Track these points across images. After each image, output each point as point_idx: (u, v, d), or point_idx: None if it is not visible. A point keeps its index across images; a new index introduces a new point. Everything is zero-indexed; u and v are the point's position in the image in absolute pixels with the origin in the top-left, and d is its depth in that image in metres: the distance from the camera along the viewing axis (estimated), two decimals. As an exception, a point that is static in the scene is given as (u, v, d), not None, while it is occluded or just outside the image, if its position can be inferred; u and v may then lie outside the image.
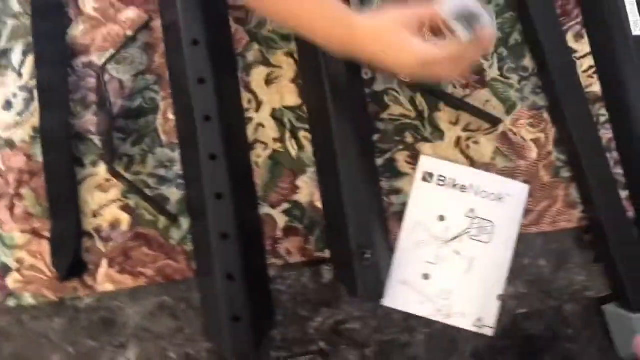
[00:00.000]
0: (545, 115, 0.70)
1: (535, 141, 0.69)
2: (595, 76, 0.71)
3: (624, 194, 0.69)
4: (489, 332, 0.66)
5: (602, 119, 0.70)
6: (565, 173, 0.69)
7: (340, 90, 0.65)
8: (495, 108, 0.70)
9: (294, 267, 0.66)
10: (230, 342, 0.60)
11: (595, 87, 0.71)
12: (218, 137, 0.63)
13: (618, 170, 0.70)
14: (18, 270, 0.64)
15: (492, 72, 0.70)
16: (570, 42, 0.71)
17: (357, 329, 0.66)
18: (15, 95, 0.67)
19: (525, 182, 0.68)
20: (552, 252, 0.68)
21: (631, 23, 0.67)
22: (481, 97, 0.70)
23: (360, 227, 0.63)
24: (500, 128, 0.69)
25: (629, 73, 0.68)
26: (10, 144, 0.66)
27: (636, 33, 0.67)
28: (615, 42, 0.68)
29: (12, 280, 0.64)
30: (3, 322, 0.63)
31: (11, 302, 0.63)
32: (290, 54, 0.69)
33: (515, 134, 0.69)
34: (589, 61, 0.71)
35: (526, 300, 0.67)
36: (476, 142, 0.69)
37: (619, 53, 0.68)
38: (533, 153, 0.69)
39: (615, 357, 0.66)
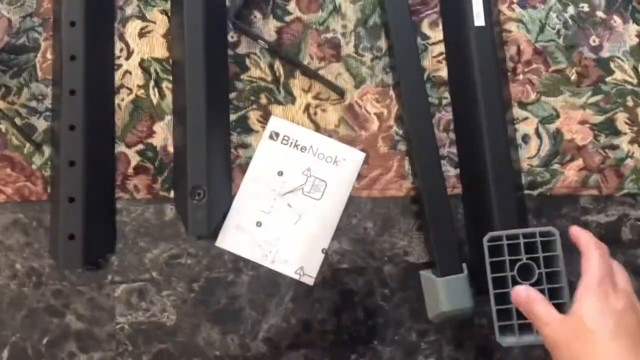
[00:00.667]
0: (391, 93, 0.76)
1: (378, 115, 0.75)
2: (443, 62, 0.77)
3: (455, 171, 0.74)
4: (309, 281, 0.72)
5: (445, 101, 0.76)
6: (402, 147, 0.75)
7: (197, 50, 0.72)
8: (345, 81, 0.76)
9: (140, 203, 0.73)
10: (63, 257, 0.68)
11: (442, 72, 0.76)
12: (79, 75, 0.70)
13: (453, 150, 0.75)
14: None
15: (348, 49, 0.76)
16: (425, 29, 0.77)
17: (189, 264, 0.72)
18: None
19: (363, 150, 0.74)
20: (379, 215, 0.74)
21: (474, 15, 0.73)
22: (334, 70, 0.76)
23: (197, 169, 0.70)
24: (347, 100, 0.75)
25: (469, 59, 0.73)
26: None
27: (478, 24, 0.73)
28: (460, 32, 0.74)
29: None
30: None
31: None
32: (165, 12, 0.76)
33: (360, 106, 0.75)
34: (440, 48, 0.77)
35: (349, 257, 0.73)
36: (324, 110, 0.75)
37: (462, 41, 0.74)
38: (374, 125, 0.75)
39: (424, 319, 0.72)
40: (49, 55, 0.75)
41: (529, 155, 0.75)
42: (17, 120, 0.73)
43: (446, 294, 0.68)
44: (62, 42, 0.71)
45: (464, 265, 0.69)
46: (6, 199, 0.72)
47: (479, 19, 0.73)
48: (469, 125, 0.74)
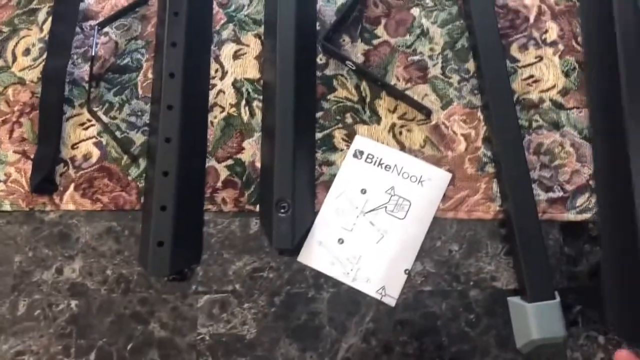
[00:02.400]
0: (479, 115, 0.75)
1: (466, 136, 0.74)
2: (533, 84, 0.75)
3: (546, 195, 0.72)
4: (391, 301, 0.70)
5: (535, 124, 0.74)
6: (490, 168, 0.73)
7: (288, 71, 0.74)
8: (432, 102, 0.76)
9: (227, 215, 0.74)
10: (151, 263, 0.70)
11: (533, 95, 0.75)
12: (177, 92, 0.74)
13: (544, 173, 0.73)
14: (4, 182, 0.77)
15: (435, 71, 0.77)
16: (514, 52, 0.77)
17: (271, 277, 0.72)
18: (33, 45, 0.82)
19: (449, 170, 0.73)
20: (465, 238, 0.72)
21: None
22: (421, 91, 0.76)
23: (283, 182, 0.71)
24: (434, 120, 0.75)
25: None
26: (22, 81, 0.81)
27: None
28: None
29: (-3, 189, 0.77)
30: (-17, 221, 0.76)
31: (-7, 206, 0.76)
32: (258, 36, 0.80)
33: (447, 127, 0.75)
34: (530, 71, 0.76)
35: (432, 279, 0.71)
36: (409, 130, 0.75)
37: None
38: (461, 146, 0.74)
39: (512, 348, 0.68)
40: (149, 75, 0.79)
41: None
42: (118, 134, 0.77)
43: (537, 320, 0.64)
44: (164, 60, 0.75)
45: (556, 292, 0.65)
46: (102, 207, 0.75)
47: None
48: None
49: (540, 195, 0.72)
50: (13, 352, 0.71)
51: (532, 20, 0.78)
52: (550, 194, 0.72)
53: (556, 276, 0.70)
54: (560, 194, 0.72)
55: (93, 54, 0.77)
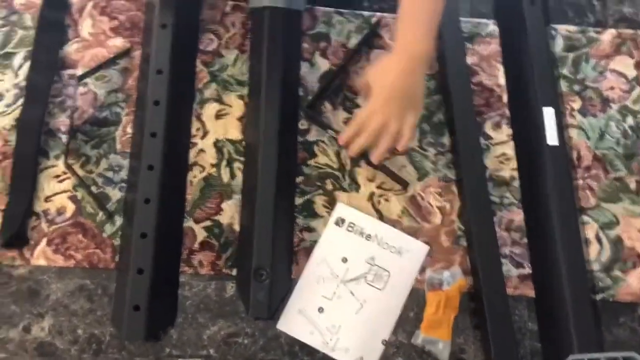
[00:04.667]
0: (454, 188, 0.78)
1: (441, 209, 0.77)
2: (505, 162, 0.79)
3: (517, 271, 0.75)
4: (366, 372, 0.72)
5: (506, 200, 0.78)
6: (464, 242, 0.76)
7: (271, 135, 0.76)
8: (409, 174, 0.78)
9: (203, 278, 0.74)
10: (127, 327, 0.69)
11: (505, 172, 0.79)
12: (158, 152, 0.74)
13: (516, 250, 0.76)
14: (-29, 233, 0.74)
15: (412, 143, 0.79)
16: (489, 129, 0.80)
17: (246, 343, 0.72)
18: (8, 90, 0.80)
19: (426, 242, 0.76)
20: (436, 310, 0.74)
21: (547, 135, 0.77)
22: (398, 163, 0.79)
23: (262, 250, 0.72)
24: (410, 191, 0.78)
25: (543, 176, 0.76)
26: (-6, 128, 0.78)
27: (551, 143, 0.77)
28: (533, 147, 0.78)
29: (-37, 241, 0.74)
30: (-54, 274, 0.73)
31: (-43, 258, 0.73)
32: (241, 97, 0.81)
33: (423, 198, 0.77)
34: (502, 148, 0.80)
35: (405, 351, 0.73)
36: (387, 200, 0.77)
37: (535, 157, 0.78)
38: (437, 218, 0.77)
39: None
40: (129, 130, 0.79)
41: (590, 259, 0.76)
42: (93, 189, 0.76)
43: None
44: (146, 119, 0.75)
45: (521, 366, 0.69)
46: (75, 264, 0.74)
47: (552, 139, 0.76)
48: (541, 228, 0.75)
49: (512, 270, 0.75)
50: (-27, 416, 0.69)
51: (505, 99, 0.82)
52: (521, 270, 0.75)
53: (520, 351, 0.73)
54: (531, 270, 0.75)
55: (74, 108, 0.75)
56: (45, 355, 0.71)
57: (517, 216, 0.77)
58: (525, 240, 0.76)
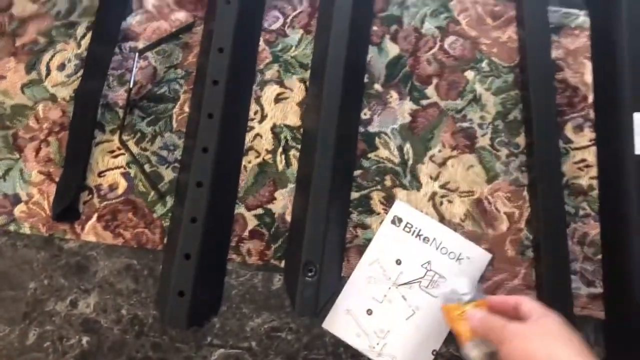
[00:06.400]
0: (525, 194, 0.72)
1: (509, 215, 0.71)
2: (584, 169, 0.72)
3: (587, 290, 0.69)
4: (412, 381, 0.68)
5: (582, 211, 0.71)
6: (531, 253, 0.70)
7: (331, 124, 0.71)
8: (477, 174, 0.72)
9: (250, 267, 0.72)
10: (170, 313, 0.67)
11: (583, 181, 0.72)
12: (214, 134, 0.71)
13: (587, 266, 0.69)
14: (26, 203, 0.74)
15: (483, 141, 0.73)
16: (569, 131, 0.73)
17: (289, 339, 0.70)
18: (69, 60, 0.79)
19: (488, 250, 0.70)
20: (495, 324, 0.69)
21: (636, 143, 0.69)
22: (466, 161, 0.73)
23: (313, 244, 0.68)
24: (477, 194, 0.72)
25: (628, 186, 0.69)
26: (53, 98, 0.78)
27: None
28: (617, 156, 0.70)
29: (18, 210, 0.74)
30: (0, 242, 0.74)
31: (12, 227, 0.74)
32: (303, 81, 0.76)
33: (490, 203, 0.72)
34: (582, 154, 0.72)
35: (457, 363, 0.68)
36: (450, 201, 0.72)
37: (619, 166, 0.70)
38: (503, 225, 0.71)
39: None
40: (185, 108, 0.76)
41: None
42: (147, 167, 0.74)
43: None
44: (204, 99, 0.72)
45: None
46: (124, 242, 0.73)
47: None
48: (619, 248, 0.68)
49: (581, 289, 0.69)
50: (18, 385, 0.70)
51: (590, 99, 0.74)
52: (592, 289, 0.69)
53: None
54: (602, 290, 0.69)
55: (132, 83, 0.73)
56: (89, 332, 0.71)
57: (593, 230, 0.70)
58: (599, 256, 0.70)
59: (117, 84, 0.78)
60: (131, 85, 0.73)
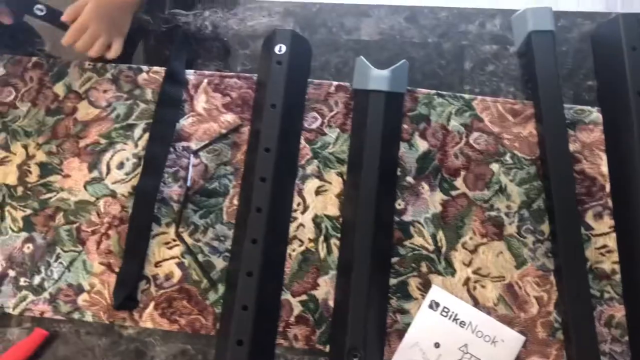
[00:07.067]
0: (552, 278, 0.77)
1: (538, 299, 0.76)
2: (606, 254, 0.77)
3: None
4: None
5: (607, 295, 0.76)
6: (561, 335, 0.75)
7: (368, 214, 0.78)
8: (506, 261, 0.78)
9: (297, 352, 0.77)
10: (225, 398, 0.72)
11: (605, 265, 0.77)
12: (262, 226, 0.78)
13: (616, 347, 0.74)
14: (88, 292, 0.81)
15: (510, 229, 0.79)
16: (589, 219, 0.79)
17: (336, 422, 0.74)
18: (127, 159, 0.87)
19: (521, 332, 0.75)
20: (530, 404, 0.73)
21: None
22: (495, 248, 0.79)
23: (357, 330, 0.73)
24: (507, 279, 0.77)
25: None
26: (113, 194, 0.85)
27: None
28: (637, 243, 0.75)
29: (81, 299, 0.80)
30: (65, 329, 0.79)
31: (76, 315, 0.80)
32: (340, 174, 0.84)
33: (520, 287, 0.77)
34: (604, 240, 0.78)
35: None
36: (483, 286, 0.77)
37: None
38: (534, 308, 0.76)
39: None
40: (235, 202, 0.83)
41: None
42: (200, 257, 0.81)
43: None
44: (252, 194, 0.79)
45: None
46: (179, 328, 0.78)
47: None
48: None
49: (616, 369, 0.73)
50: None
51: (608, 189, 0.80)
52: (628, 374, 0.73)
53: None
54: (631, 371, 0.73)
55: (189, 181, 0.81)
56: (147, 416, 0.75)
57: (618, 312, 0.75)
58: (626, 338, 0.74)
59: (172, 180, 0.85)
60: (188, 184, 0.80)
